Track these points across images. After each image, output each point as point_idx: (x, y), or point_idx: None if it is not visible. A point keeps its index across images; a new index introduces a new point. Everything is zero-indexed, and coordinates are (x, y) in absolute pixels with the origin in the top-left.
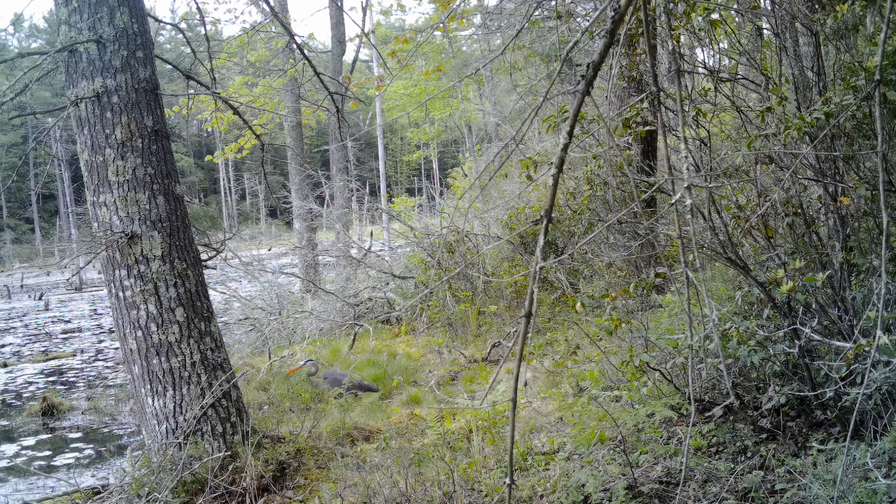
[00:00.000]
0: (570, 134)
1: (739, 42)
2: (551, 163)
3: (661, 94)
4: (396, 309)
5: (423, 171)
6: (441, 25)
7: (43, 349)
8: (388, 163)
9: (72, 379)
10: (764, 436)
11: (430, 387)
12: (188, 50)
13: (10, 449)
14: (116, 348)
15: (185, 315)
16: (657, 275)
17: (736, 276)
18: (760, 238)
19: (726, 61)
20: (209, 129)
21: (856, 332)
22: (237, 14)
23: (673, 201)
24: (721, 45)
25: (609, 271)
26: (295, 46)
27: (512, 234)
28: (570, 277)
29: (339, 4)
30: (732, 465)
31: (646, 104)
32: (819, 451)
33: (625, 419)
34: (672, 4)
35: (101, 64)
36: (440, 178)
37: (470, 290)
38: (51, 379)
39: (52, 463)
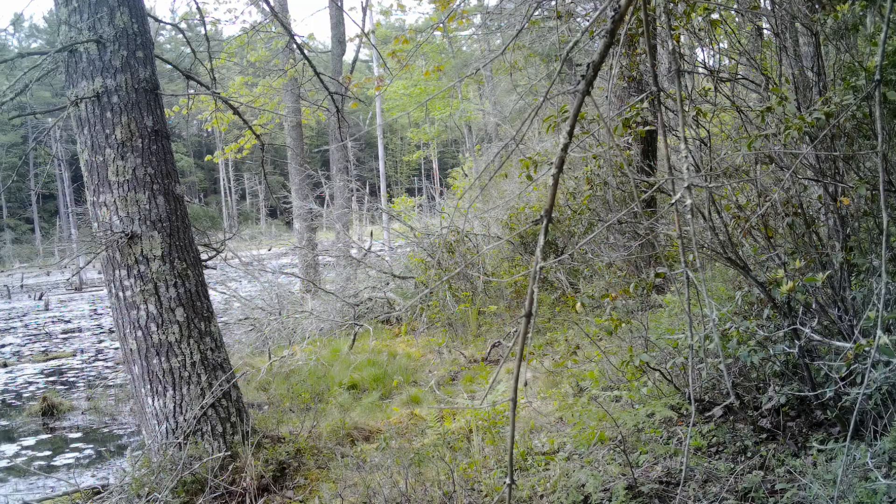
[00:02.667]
0: (570, 134)
1: (739, 42)
2: (551, 163)
3: (661, 94)
4: (396, 309)
5: (423, 171)
6: (441, 25)
7: (43, 349)
8: (388, 163)
9: (72, 379)
10: (764, 436)
11: (430, 387)
12: (188, 50)
13: (10, 449)
14: (116, 348)
15: (185, 315)
16: (657, 275)
17: (736, 276)
18: (760, 238)
19: (726, 61)
20: (209, 129)
21: (856, 332)
22: (237, 14)
23: (673, 201)
24: (721, 45)
25: (609, 271)
26: (295, 46)
27: (512, 234)
28: (570, 277)
29: (339, 4)
30: (732, 465)
31: (646, 104)
32: (819, 451)
33: (625, 419)
34: (672, 4)
35: (101, 64)
36: (440, 178)
37: (470, 290)
38: (51, 379)
39: (52, 463)
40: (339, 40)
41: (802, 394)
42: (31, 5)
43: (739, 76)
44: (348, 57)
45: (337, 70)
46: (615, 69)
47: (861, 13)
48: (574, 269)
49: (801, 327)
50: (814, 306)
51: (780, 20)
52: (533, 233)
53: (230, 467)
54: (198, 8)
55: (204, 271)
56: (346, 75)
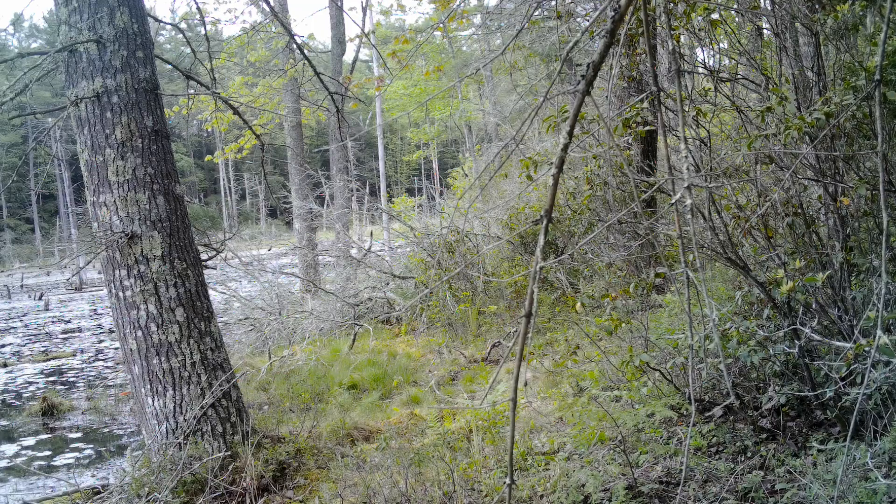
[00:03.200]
0: (570, 134)
1: (739, 42)
2: (551, 163)
3: (661, 94)
4: (396, 309)
5: (423, 171)
6: (441, 25)
7: (43, 349)
8: (388, 163)
9: (72, 379)
10: (764, 436)
11: (430, 387)
12: (188, 50)
13: (10, 449)
14: (116, 348)
15: (185, 315)
16: (657, 275)
17: (736, 276)
18: (760, 238)
19: (726, 61)
20: (209, 129)
21: (856, 332)
22: (237, 14)
23: (673, 201)
24: (721, 45)
25: (609, 271)
26: (295, 46)
27: (512, 234)
28: (570, 277)
29: (339, 4)
30: (732, 465)
31: (646, 104)
32: (819, 451)
33: (625, 419)
34: (672, 4)
35: (101, 64)
36: (440, 178)
37: (470, 290)
38: (51, 379)
39: (52, 463)
40: (339, 40)
41: (802, 394)
42: (31, 5)
43: (739, 76)
44: (348, 57)
45: (337, 70)
46: (615, 69)
47: (861, 13)
48: (574, 269)
49: (801, 327)
50: (814, 306)
51: (780, 20)
52: (533, 233)
53: (230, 467)
54: (198, 8)
55: (204, 271)
56: (346, 75)
